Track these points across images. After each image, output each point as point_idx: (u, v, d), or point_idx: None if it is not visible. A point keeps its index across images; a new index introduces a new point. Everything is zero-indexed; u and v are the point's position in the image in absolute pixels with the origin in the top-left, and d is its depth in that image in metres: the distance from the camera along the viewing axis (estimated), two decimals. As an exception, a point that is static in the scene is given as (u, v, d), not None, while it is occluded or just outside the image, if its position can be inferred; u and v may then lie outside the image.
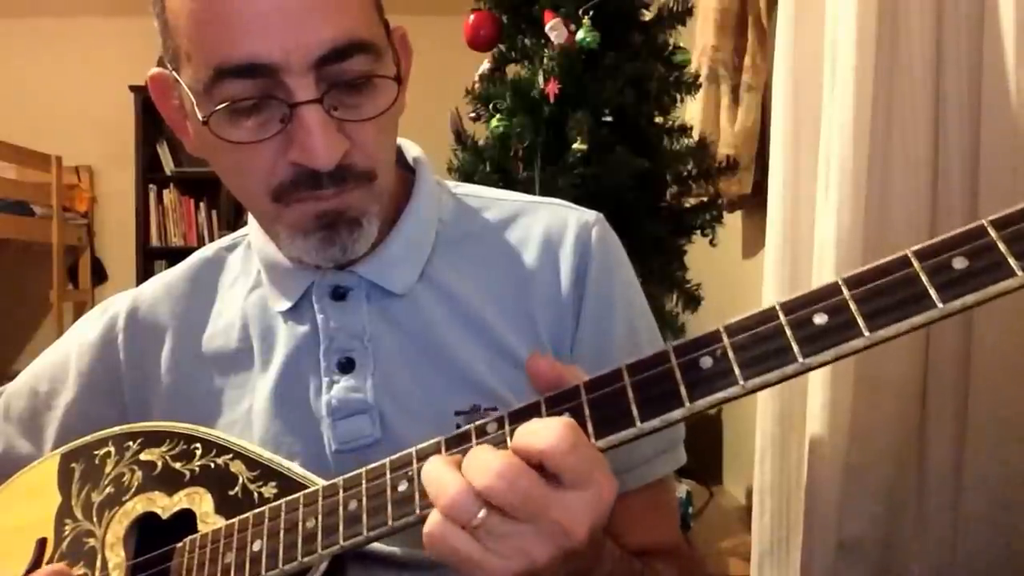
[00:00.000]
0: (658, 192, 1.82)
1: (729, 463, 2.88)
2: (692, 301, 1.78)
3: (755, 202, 2.31)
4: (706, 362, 0.44)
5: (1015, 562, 1.18)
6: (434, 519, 0.46)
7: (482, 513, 0.44)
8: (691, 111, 2.31)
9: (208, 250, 0.81)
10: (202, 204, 4.36)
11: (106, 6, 3.95)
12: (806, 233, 1.37)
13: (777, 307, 0.43)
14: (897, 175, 1.26)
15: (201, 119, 0.59)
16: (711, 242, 1.87)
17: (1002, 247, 0.38)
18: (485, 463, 0.45)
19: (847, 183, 1.24)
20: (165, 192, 4.34)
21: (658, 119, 1.81)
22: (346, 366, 0.68)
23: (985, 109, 1.17)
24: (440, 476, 0.47)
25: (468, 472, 0.46)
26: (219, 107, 0.58)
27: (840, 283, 0.42)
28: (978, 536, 1.21)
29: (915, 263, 0.40)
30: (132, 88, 4.06)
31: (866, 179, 1.24)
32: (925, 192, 1.25)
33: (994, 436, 1.18)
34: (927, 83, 1.23)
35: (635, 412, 0.45)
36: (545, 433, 0.44)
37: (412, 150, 0.76)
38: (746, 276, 2.56)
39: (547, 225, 0.73)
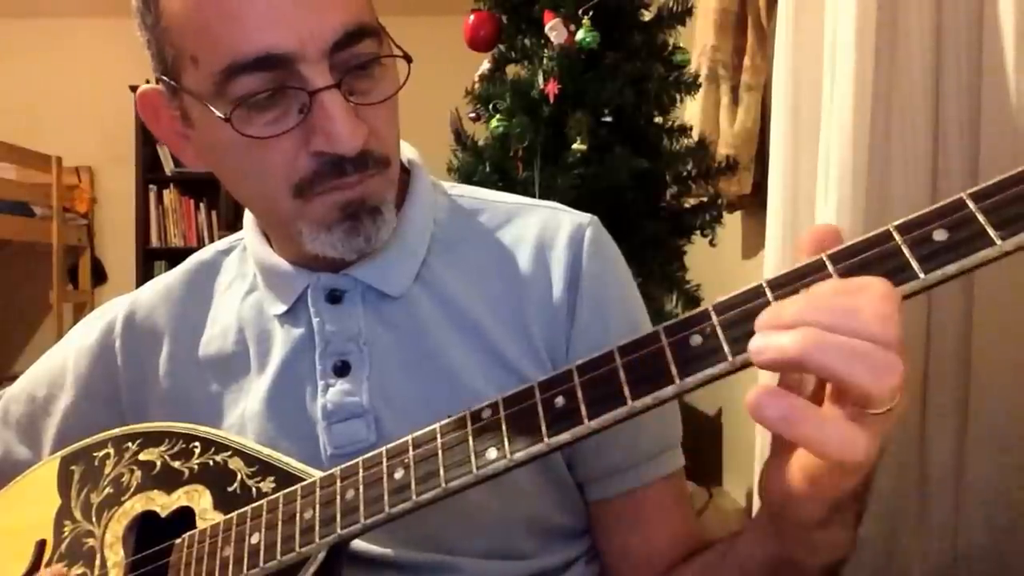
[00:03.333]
0: (658, 192, 1.82)
1: (728, 464, 2.88)
2: (692, 301, 1.78)
3: (755, 202, 2.31)
4: (696, 340, 0.44)
5: (1015, 563, 1.18)
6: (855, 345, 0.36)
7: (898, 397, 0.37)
8: (691, 111, 2.31)
9: (204, 253, 0.81)
10: (202, 204, 4.37)
11: (106, 6, 3.95)
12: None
13: (764, 284, 0.43)
14: (897, 175, 1.26)
15: (223, 117, 0.58)
16: (711, 242, 1.87)
17: (981, 218, 0.39)
18: (852, 303, 0.37)
19: (847, 183, 1.24)
20: (165, 192, 4.35)
21: (658, 119, 1.81)
22: (342, 369, 0.67)
23: (985, 109, 1.17)
24: (853, 346, 0.36)
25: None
26: (238, 103, 0.57)
27: (825, 258, 0.42)
28: (978, 537, 1.21)
29: (897, 236, 0.41)
30: (132, 88, 4.06)
31: (866, 179, 1.24)
32: (925, 192, 1.25)
33: (994, 437, 1.18)
34: (927, 83, 1.23)
35: (627, 391, 0.45)
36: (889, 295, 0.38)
37: (407, 151, 0.76)
38: (746, 276, 2.55)
39: (540, 228, 0.73)
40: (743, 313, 0.43)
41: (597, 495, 0.71)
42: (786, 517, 0.47)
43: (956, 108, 1.21)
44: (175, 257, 3.03)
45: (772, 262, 1.43)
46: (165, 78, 0.62)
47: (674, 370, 0.44)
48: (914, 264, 0.40)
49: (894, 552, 1.30)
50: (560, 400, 0.47)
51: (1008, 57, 1.13)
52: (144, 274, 4.18)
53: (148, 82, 0.67)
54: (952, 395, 1.23)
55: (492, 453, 0.48)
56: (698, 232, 1.86)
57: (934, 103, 1.24)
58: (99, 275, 4.45)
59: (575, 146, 1.62)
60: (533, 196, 1.54)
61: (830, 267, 0.42)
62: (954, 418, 1.23)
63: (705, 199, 1.90)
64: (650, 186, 1.75)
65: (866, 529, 1.29)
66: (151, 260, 4.31)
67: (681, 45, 1.84)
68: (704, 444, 2.82)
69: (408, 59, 0.63)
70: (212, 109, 0.59)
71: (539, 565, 0.69)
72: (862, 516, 0.49)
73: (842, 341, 0.36)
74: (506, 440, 0.48)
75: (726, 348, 0.43)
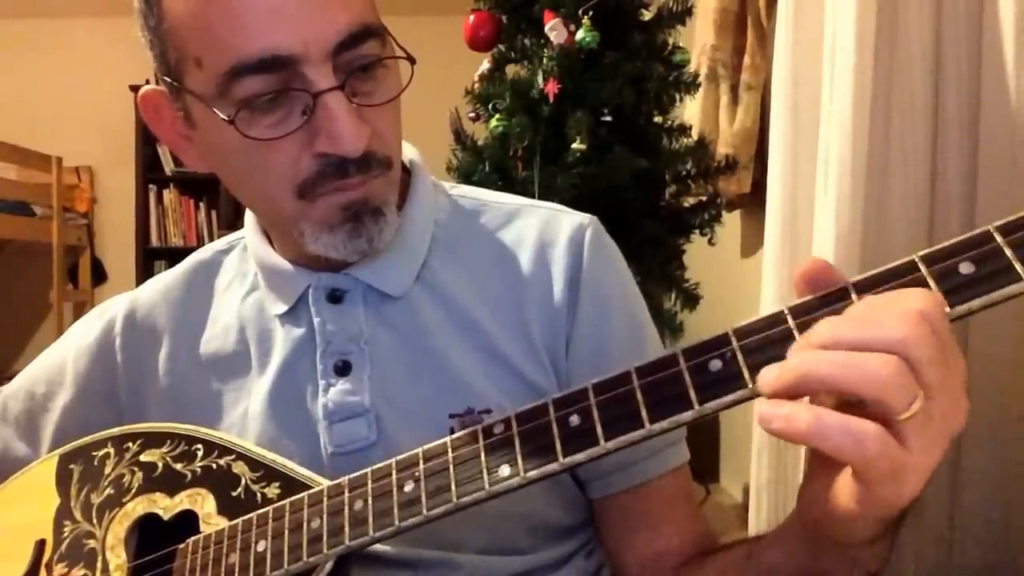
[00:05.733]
0: (657, 191, 1.82)
1: (726, 461, 2.88)
2: (691, 300, 1.78)
3: (754, 201, 2.32)
4: (715, 365, 0.44)
5: (1013, 561, 1.18)
6: (862, 426, 0.36)
7: (919, 401, 0.36)
8: (690, 110, 2.31)
9: (204, 252, 0.81)
10: (202, 204, 4.37)
11: (106, 6, 3.95)
12: (805, 232, 1.37)
13: (786, 311, 0.43)
14: (896, 174, 1.26)
15: (226, 118, 0.58)
16: (710, 241, 1.87)
17: (1008, 252, 0.39)
18: (887, 309, 0.37)
19: (846, 182, 1.24)
20: (165, 192, 4.35)
21: (657, 119, 1.81)
22: (343, 369, 0.68)
23: (984, 108, 1.17)
24: (849, 353, 0.37)
25: (855, 330, 0.37)
26: (242, 105, 0.57)
27: (849, 287, 0.42)
28: (975, 535, 1.21)
29: (922, 267, 0.40)
30: (132, 88, 4.06)
31: (865, 178, 1.24)
32: (924, 191, 1.25)
33: (992, 435, 1.18)
34: (926, 82, 1.23)
35: (644, 414, 0.45)
36: (921, 297, 0.38)
37: (409, 152, 0.76)
38: (745, 275, 2.56)
39: (541, 229, 0.73)
40: (763, 340, 0.43)
41: (602, 492, 0.71)
42: (829, 536, 0.45)
43: (955, 107, 1.21)
44: (175, 257, 3.02)
45: (771, 261, 1.43)
46: (168, 79, 0.62)
47: (693, 395, 0.44)
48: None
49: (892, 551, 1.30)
50: (575, 419, 0.47)
51: (1008, 56, 1.13)
52: (144, 274, 4.18)
53: (148, 82, 0.67)
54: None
55: (505, 470, 0.48)
56: (697, 231, 1.86)
57: (933, 102, 1.24)
58: (99, 275, 4.45)
59: (575, 146, 1.62)
60: (533, 196, 1.54)
61: (854, 296, 0.41)
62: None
63: (704, 198, 1.90)
64: (650, 185, 1.75)
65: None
66: (151, 260, 4.31)
67: (681, 45, 1.84)
68: (702, 441, 2.82)
69: (411, 60, 0.63)
70: (215, 111, 0.59)
71: (538, 560, 0.69)
72: (903, 523, 0.47)
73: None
74: (519, 457, 0.48)
75: (746, 375, 0.42)
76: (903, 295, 0.39)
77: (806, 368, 0.38)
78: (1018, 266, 0.38)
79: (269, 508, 0.58)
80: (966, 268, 0.39)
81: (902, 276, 0.41)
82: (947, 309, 0.39)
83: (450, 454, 0.51)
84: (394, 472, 0.53)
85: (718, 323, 0.46)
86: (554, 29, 1.67)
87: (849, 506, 0.41)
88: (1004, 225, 0.39)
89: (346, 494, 0.54)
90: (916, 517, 1.28)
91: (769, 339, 0.43)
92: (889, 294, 0.39)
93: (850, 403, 0.38)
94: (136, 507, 0.65)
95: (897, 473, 0.37)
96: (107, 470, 0.68)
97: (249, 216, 0.76)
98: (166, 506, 0.63)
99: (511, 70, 1.87)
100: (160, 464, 0.65)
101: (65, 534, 0.67)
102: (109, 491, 0.67)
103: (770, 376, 0.40)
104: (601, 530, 0.73)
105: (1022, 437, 1.16)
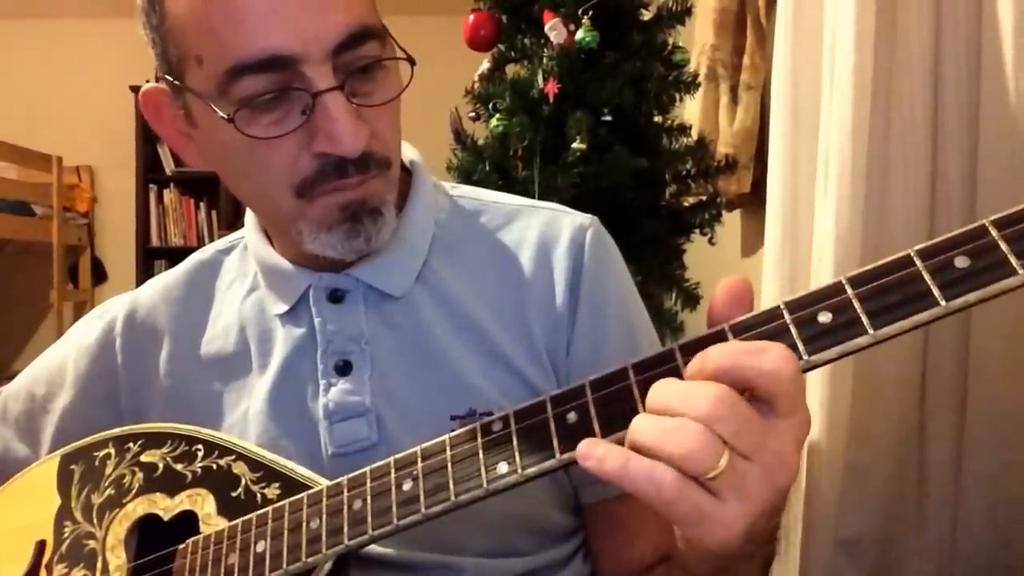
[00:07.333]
0: (657, 191, 1.82)
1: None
2: (691, 300, 1.77)
3: (754, 201, 2.31)
4: None
5: (1014, 561, 1.18)
6: (662, 474, 0.40)
7: (725, 459, 0.39)
8: (690, 110, 2.31)
9: (204, 253, 0.81)
10: (202, 204, 4.37)
11: (106, 6, 3.95)
12: (805, 232, 1.37)
13: (782, 306, 0.43)
14: (896, 174, 1.26)
15: (226, 117, 0.58)
16: (710, 241, 1.87)
17: (1003, 246, 0.39)
18: (694, 391, 0.40)
19: (846, 182, 1.24)
20: (165, 192, 4.36)
21: (657, 118, 1.81)
22: (343, 369, 0.68)
23: (984, 108, 1.17)
24: (664, 422, 0.41)
25: (672, 404, 0.41)
26: (241, 104, 0.58)
27: (844, 282, 0.42)
28: (977, 535, 1.21)
29: (918, 262, 0.41)
30: (132, 88, 4.06)
31: (865, 178, 1.24)
32: (924, 191, 1.25)
33: (993, 435, 1.18)
34: (926, 82, 1.23)
35: (641, 410, 0.45)
36: (772, 354, 0.40)
37: (409, 152, 0.76)
38: (745, 275, 2.56)
39: (542, 230, 0.73)
40: (760, 335, 0.43)
41: (590, 498, 0.71)
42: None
43: (955, 107, 1.21)
44: (175, 256, 3.02)
45: (771, 260, 1.43)
46: (169, 77, 0.62)
47: None
48: (935, 292, 0.40)
49: (892, 550, 1.31)
50: (572, 416, 0.47)
51: (1007, 56, 1.13)
52: (144, 273, 4.18)
53: (148, 82, 0.67)
54: (951, 394, 1.23)
55: (503, 467, 0.48)
56: (697, 231, 1.85)
57: (933, 102, 1.24)
58: (99, 274, 4.45)
59: (575, 145, 1.61)
60: (533, 195, 1.54)
61: (849, 291, 0.42)
62: (953, 417, 1.23)
63: (704, 198, 1.90)
64: (649, 185, 1.75)
65: (864, 527, 1.29)
66: (151, 259, 4.31)
67: (680, 44, 1.84)
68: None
69: (411, 61, 0.64)
70: (215, 109, 0.59)
71: (537, 562, 0.69)
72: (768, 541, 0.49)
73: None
74: (517, 454, 0.48)
75: None
76: (768, 354, 0.40)
77: (631, 437, 0.42)
78: (1013, 260, 0.38)
79: (268, 508, 0.58)
80: (962, 262, 0.39)
81: (899, 271, 0.41)
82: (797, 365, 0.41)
83: (448, 452, 0.51)
84: (392, 471, 0.53)
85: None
86: (554, 29, 1.67)
87: (679, 540, 0.46)
88: (999, 219, 0.39)
89: (345, 494, 0.54)
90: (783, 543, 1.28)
91: (766, 335, 0.43)
92: (759, 349, 0.41)
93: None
94: (136, 507, 0.65)
95: (701, 518, 0.40)
96: (108, 470, 0.68)
97: (249, 216, 0.76)
98: (166, 507, 0.63)
99: (511, 70, 1.87)
100: (160, 464, 0.65)
101: (65, 535, 0.67)
102: (110, 492, 0.67)
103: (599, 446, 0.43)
104: (588, 535, 0.74)
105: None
